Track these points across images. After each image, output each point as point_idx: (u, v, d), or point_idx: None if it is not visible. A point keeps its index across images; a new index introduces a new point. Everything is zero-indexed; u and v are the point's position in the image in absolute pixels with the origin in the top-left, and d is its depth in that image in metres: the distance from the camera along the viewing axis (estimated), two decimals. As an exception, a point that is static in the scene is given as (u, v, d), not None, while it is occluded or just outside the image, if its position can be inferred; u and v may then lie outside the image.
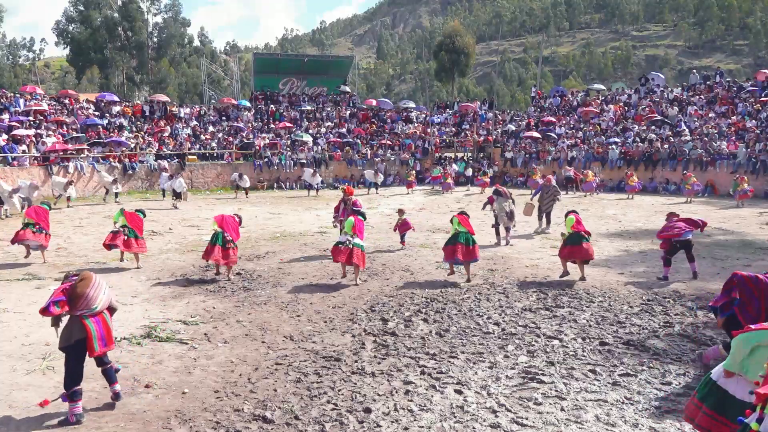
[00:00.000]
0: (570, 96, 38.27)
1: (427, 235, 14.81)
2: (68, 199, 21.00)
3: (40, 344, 6.67)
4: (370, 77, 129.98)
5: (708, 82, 33.01)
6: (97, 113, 30.78)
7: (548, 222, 15.31)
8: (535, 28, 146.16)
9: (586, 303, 8.42)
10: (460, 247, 9.64)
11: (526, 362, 6.16)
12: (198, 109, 35.75)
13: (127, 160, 26.92)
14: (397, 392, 5.45)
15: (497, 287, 9.42)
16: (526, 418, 4.89)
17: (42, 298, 6.76)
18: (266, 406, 5.17)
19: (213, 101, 44.19)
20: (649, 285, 9.43)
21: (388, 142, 34.52)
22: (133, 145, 28.14)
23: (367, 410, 5.07)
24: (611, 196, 24.57)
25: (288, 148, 31.96)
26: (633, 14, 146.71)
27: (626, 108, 33.47)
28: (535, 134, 32.89)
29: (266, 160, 30.52)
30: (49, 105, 29.69)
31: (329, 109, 38.32)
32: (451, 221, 10.19)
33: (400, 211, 13.58)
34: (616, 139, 29.83)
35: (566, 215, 10.06)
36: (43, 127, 26.94)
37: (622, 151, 28.86)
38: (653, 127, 29.66)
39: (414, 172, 30.10)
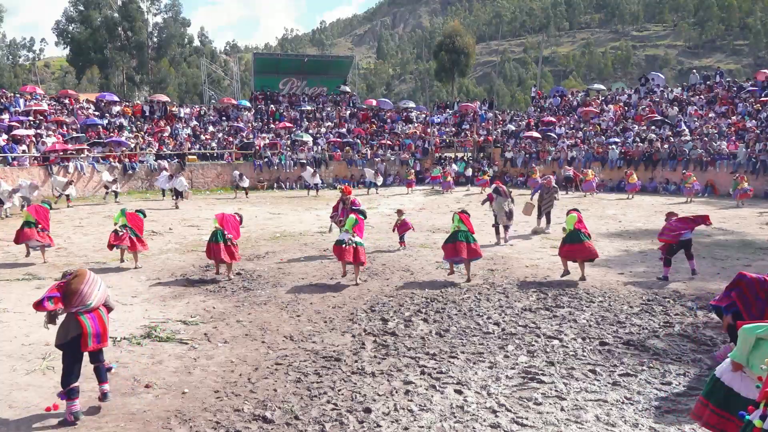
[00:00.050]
0: (570, 96, 38.27)
1: (427, 235, 14.81)
2: (68, 198, 21.02)
3: (40, 344, 6.67)
4: (370, 77, 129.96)
5: (708, 82, 33.01)
6: (97, 113, 30.79)
7: (548, 222, 15.30)
8: (535, 28, 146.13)
9: (586, 303, 8.42)
10: (460, 244, 9.62)
11: (526, 362, 6.16)
12: (198, 109, 35.75)
13: (127, 160, 26.92)
14: (397, 392, 5.45)
15: (497, 287, 9.42)
16: (526, 418, 4.89)
17: (42, 298, 6.75)
18: (266, 406, 5.17)
19: (213, 101, 44.19)
20: (649, 285, 9.43)
21: (388, 142, 34.53)
22: (133, 145, 28.15)
23: (367, 410, 5.07)
24: (611, 196, 24.57)
25: (288, 148, 31.96)
26: (633, 14, 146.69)
27: (626, 108, 33.47)
28: (535, 134, 32.90)
29: (266, 160, 30.52)
30: (49, 105, 29.70)
31: (329, 109, 38.32)
32: (452, 219, 10.19)
33: (399, 212, 13.54)
34: (616, 139, 29.84)
35: (567, 213, 10.05)
36: (43, 127, 26.94)
37: (622, 151, 28.86)
38: (653, 127, 29.66)
39: (413, 171, 30.13)
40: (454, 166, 32.34)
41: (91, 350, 5.05)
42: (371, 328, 7.40)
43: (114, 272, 10.64)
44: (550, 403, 5.18)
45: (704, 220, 9.73)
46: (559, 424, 4.81)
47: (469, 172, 31.67)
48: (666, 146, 27.55)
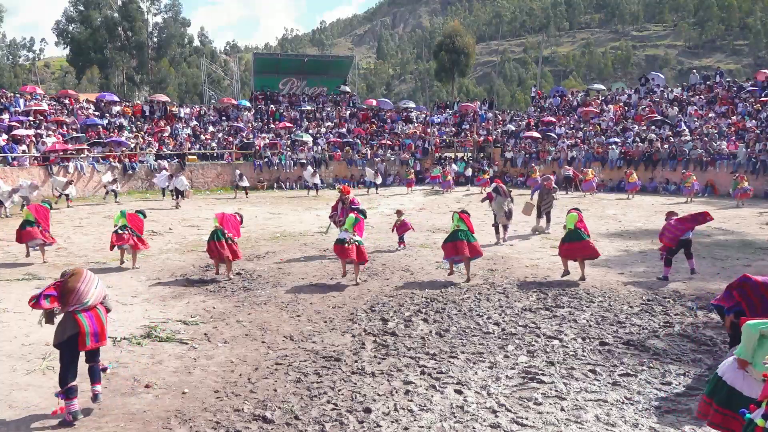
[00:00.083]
0: (570, 96, 38.28)
1: (427, 235, 14.81)
2: (68, 198, 21.02)
3: (40, 344, 6.66)
4: (370, 77, 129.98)
5: (708, 82, 33.01)
6: (97, 113, 30.79)
7: (548, 221, 15.30)
8: (535, 28, 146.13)
9: (586, 303, 8.42)
10: (461, 243, 9.61)
11: (526, 362, 6.16)
12: (198, 109, 35.76)
13: (127, 160, 26.93)
14: (397, 392, 5.45)
15: (497, 287, 9.42)
16: (526, 418, 4.89)
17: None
18: (266, 406, 5.17)
19: (213, 101, 44.19)
20: (649, 285, 9.43)
21: (388, 142, 34.53)
22: (133, 145, 28.15)
23: (367, 410, 5.07)
24: (611, 196, 24.57)
25: (288, 148, 31.96)
26: (633, 14, 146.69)
27: (626, 108, 33.47)
28: (535, 134, 32.90)
29: (266, 160, 30.52)
30: (49, 105, 29.70)
31: (329, 109, 38.33)
32: (452, 218, 10.19)
33: (399, 212, 13.52)
34: (616, 139, 29.84)
35: (568, 212, 10.04)
36: (43, 127, 26.94)
37: (622, 151, 28.86)
38: (653, 127, 29.66)
39: (413, 171, 30.14)
40: (454, 166, 32.35)
41: (89, 349, 5.02)
42: (371, 328, 7.40)
43: (114, 272, 10.64)
44: (550, 403, 5.18)
45: (704, 217, 9.69)
46: (559, 424, 4.81)
47: (469, 172, 31.69)
48: (666, 146, 27.55)
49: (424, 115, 39.24)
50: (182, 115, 33.69)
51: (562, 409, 5.06)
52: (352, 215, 10.11)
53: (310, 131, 34.40)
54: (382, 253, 12.50)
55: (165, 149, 29.20)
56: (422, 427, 4.78)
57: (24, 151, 24.10)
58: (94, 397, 5.12)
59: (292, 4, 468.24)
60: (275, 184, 30.20)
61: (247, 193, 25.31)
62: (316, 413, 5.02)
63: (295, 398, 5.33)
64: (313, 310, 8.20)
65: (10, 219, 17.24)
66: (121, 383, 5.68)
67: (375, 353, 6.49)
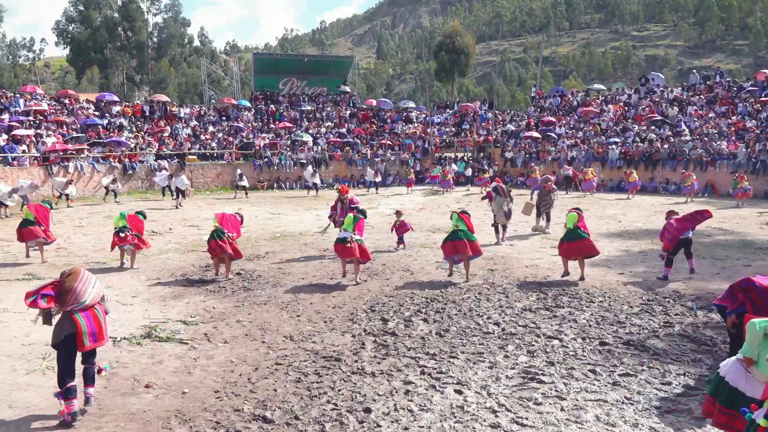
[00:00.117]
0: (570, 96, 38.29)
1: (427, 235, 14.81)
2: (68, 198, 21.03)
3: (40, 344, 6.66)
4: (370, 77, 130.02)
5: (708, 82, 33.01)
6: (97, 113, 30.80)
7: (548, 221, 15.30)
8: (535, 28, 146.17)
9: (586, 303, 8.41)
10: (460, 242, 9.60)
11: (526, 362, 6.16)
12: (198, 109, 35.77)
13: (127, 160, 26.93)
14: (397, 392, 5.45)
15: (497, 287, 9.41)
16: (526, 418, 4.89)
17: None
18: (266, 406, 5.17)
19: (213, 101, 44.21)
20: (649, 285, 9.43)
21: (388, 142, 34.55)
22: (133, 145, 28.16)
23: (367, 410, 5.06)
24: (611, 196, 24.57)
25: (288, 148, 31.97)
26: (633, 14, 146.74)
27: (626, 108, 33.47)
28: (535, 134, 32.91)
29: (266, 160, 30.53)
30: (49, 105, 29.71)
31: (329, 109, 38.34)
32: (452, 218, 10.18)
33: (398, 213, 13.51)
34: (616, 139, 29.84)
35: (569, 212, 10.04)
36: (43, 127, 26.95)
37: (622, 151, 28.86)
38: (653, 127, 29.66)
39: (413, 171, 30.15)
40: (454, 166, 32.37)
41: (88, 349, 5.00)
42: (371, 328, 7.40)
43: (114, 272, 10.64)
44: (550, 403, 5.18)
45: (704, 215, 9.67)
46: (559, 424, 4.80)
47: (469, 172, 31.69)
48: (666, 146, 27.56)
49: (424, 115, 39.26)
50: (182, 115, 33.70)
51: (562, 409, 5.06)
52: (351, 214, 10.11)
53: (310, 131, 34.40)
54: (382, 253, 12.50)
55: (165, 149, 29.21)
56: (422, 427, 4.77)
57: (24, 151, 24.10)
58: (86, 400, 5.10)
59: (292, 4, 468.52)
60: (275, 184, 30.21)
61: (247, 193, 25.31)
62: (316, 413, 5.02)
63: (295, 398, 5.33)
64: (313, 310, 8.20)
65: (10, 219, 17.23)
66: (121, 383, 5.68)
67: (375, 353, 6.49)
